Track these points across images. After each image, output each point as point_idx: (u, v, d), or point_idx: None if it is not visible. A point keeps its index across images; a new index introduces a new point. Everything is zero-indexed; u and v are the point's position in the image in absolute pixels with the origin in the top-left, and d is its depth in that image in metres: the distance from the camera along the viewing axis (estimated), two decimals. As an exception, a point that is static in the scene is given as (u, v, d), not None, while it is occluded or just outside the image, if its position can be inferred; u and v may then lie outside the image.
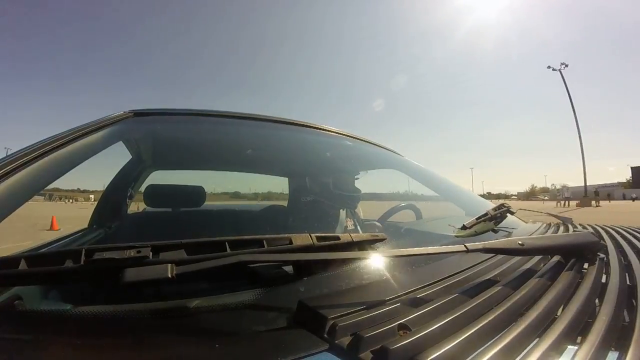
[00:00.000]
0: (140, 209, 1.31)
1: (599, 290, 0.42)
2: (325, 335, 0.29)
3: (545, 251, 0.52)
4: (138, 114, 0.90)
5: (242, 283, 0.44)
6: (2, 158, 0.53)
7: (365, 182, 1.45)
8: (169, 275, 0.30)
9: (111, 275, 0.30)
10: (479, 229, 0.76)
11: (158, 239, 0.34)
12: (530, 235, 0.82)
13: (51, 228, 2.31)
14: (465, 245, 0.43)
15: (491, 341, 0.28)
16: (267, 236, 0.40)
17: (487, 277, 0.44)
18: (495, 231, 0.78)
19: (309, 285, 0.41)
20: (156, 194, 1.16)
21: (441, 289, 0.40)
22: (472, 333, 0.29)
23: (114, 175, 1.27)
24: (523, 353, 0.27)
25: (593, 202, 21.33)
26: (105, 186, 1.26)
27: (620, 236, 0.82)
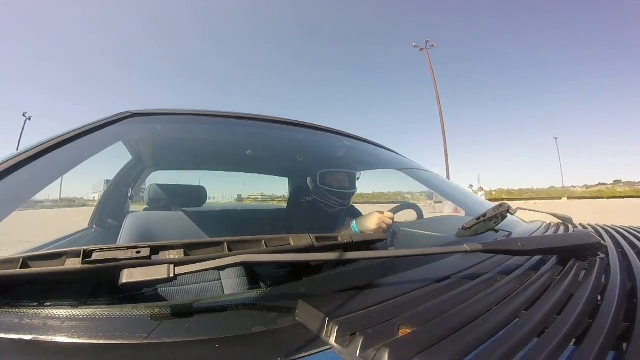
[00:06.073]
0: (140, 209, 1.31)
1: (599, 290, 0.42)
2: (326, 335, 0.29)
3: (546, 251, 0.52)
4: (137, 114, 0.90)
5: (242, 283, 0.44)
6: (3, 158, 0.54)
7: (365, 182, 1.45)
8: (169, 276, 0.30)
9: (111, 276, 0.31)
10: (479, 229, 0.76)
11: (158, 239, 0.34)
12: (531, 235, 0.82)
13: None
14: (465, 246, 0.43)
15: (491, 341, 0.28)
16: (266, 237, 0.40)
17: (487, 278, 0.44)
18: (495, 231, 0.78)
19: (309, 285, 0.41)
20: (156, 194, 1.16)
21: (441, 289, 0.40)
22: (472, 333, 0.29)
23: (114, 176, 1.27)
24: (523, 353, 0.27)
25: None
26: (105, 187, 1.26)
27: (621, 236, 0.81)
